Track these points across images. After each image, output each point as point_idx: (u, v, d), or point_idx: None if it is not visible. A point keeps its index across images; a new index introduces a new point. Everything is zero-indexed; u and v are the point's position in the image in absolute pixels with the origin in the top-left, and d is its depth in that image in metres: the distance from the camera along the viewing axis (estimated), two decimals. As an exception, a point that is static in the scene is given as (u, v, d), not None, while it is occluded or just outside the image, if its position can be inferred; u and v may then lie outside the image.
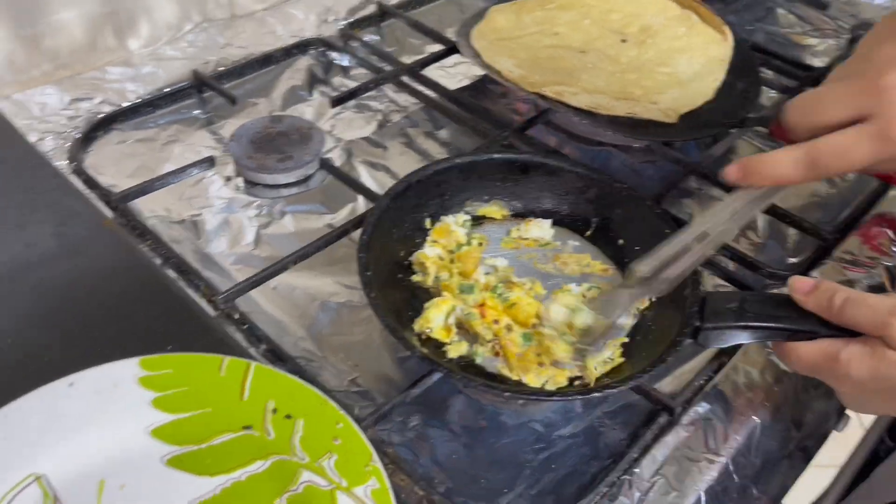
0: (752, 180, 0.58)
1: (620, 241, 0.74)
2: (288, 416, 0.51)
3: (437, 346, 0.64)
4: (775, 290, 0.73)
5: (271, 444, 0.50)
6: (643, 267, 0.60)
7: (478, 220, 0.76)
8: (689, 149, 0.94)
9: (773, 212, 0.82)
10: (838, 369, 0.53)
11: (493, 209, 0.77)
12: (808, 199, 0.88)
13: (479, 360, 0.63)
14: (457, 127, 0.93)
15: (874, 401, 0.56)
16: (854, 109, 0.54)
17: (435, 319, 0.64)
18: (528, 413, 0.65)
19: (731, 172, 0.59)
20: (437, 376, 0.61)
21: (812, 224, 0.80)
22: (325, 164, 0.82)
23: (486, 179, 0.77)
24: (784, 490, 0.65)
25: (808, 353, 0.55)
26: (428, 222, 0.73)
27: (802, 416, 0.66)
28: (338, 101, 0.91)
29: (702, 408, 0.64)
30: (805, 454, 0.66)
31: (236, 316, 0.67)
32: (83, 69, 0.91)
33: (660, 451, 0.61)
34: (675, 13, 1.05)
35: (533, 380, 0.62)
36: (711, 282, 0.77)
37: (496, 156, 0.76)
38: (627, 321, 0.66)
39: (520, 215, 0.77)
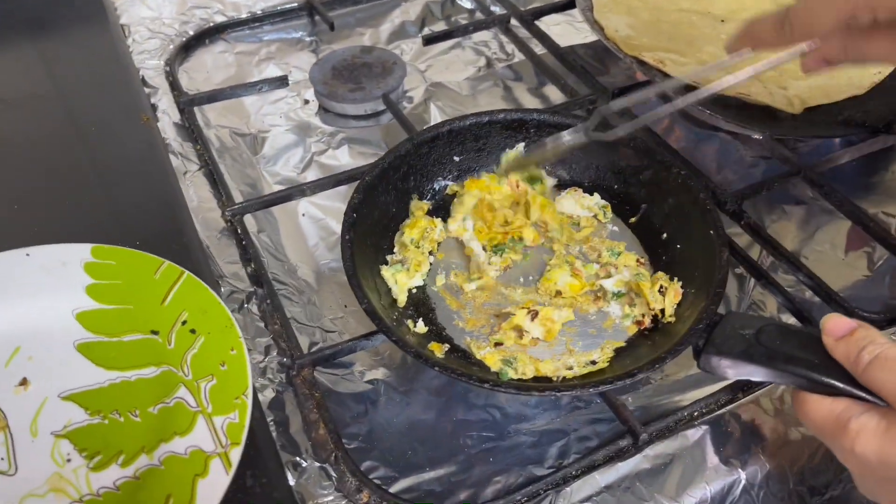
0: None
1: (664, 235, 0.64)
2: (192, 331, 0.51)
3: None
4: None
5: (168, 353, 0.50)
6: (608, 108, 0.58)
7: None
8: (819, 150, 0.79)
9: (888, 242, 0.67)
10: (844, 440, 0.43)
11: (535, 174, 0.70)
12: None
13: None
14: (560, 88, 0.86)
15: (882, 491, 0.44)
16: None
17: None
18: (499, 398, 0.59)
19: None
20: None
21: (929, 265, 0.64)
22: (389, 102, 0.80)
23: (534, 141, 0.69)
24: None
25: (819, 410, 0.45)
26: (451, 185, 0.68)
27: (813, 490, 0.53)
28: (430, 41, 0.87)
29: (679, 442, 0.54)
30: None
31: (239, 230, 0.67)
32: (214, -21, 0.96)
33: (606, 477, 0.52)
34: (858, -12, 0.87)
35: (491, 359, 0.56)
36: (773, 307, 0.64)
37: (548, 116, 0.69)
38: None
39: (564, 185, 0.70)
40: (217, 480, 0.43)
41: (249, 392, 0.47)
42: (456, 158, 0.69)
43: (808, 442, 0.54)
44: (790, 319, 0.64)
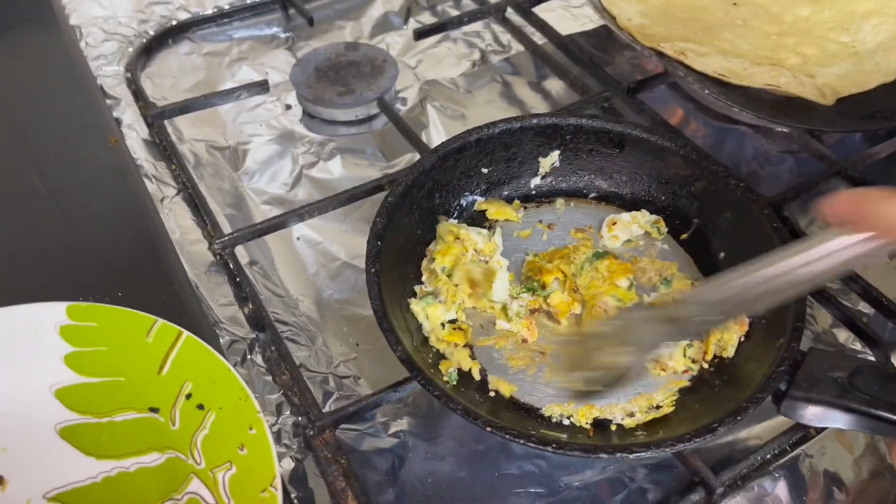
0: (859, 227, 0.39)
1: (722, 255, 0.58)
2: (200, 407, 0.43)
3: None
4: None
5: (173, 435, 0.42)
6: (692, 308, 0.45)
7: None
8: (845, 143, 0.74)
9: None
10: None
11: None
12: None
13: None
14: (567, 83, 0.79)
15: None
16: None
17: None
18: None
19: (830, 206, 0.40)
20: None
21: None
22: (384, 106, 0.72)
23: (570, 149, 0.62)
24: None
25: None
26: (480, 201, 0.61)
27: (904, 531, 0.48)
28: (422, 34, 0.79)
29: (756, 492, 0.48)
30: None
31: (231, 265, 0.59)
32: (172, -30, 0.86)
33: (682, 538, 0.46)
34: (875, -36, 0.82)
35: (551, 410, 0.50)
36: (824, 321, 0.59)
37: (586, 121, 0.61)
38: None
39: (604, 199, 0.63)
40: None
41: (278, 482, 0.39)
42: (484, 170, 0.61)
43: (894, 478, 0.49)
44: (845, 335, 0.59)
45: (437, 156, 0.59)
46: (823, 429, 0.51)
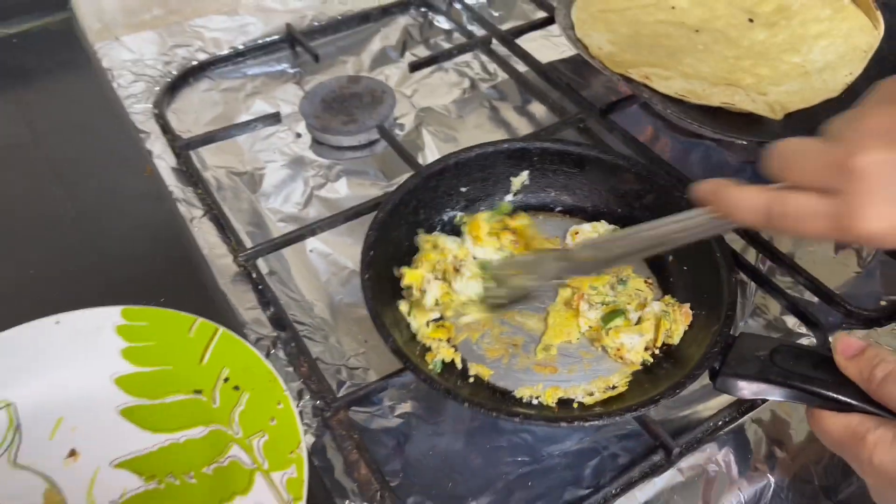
0: (714, 207, 0.50)
1: (670, 258, 0.66)
2: (236, 388, 0.51)
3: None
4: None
5: (214, 412, 0.51)
6: (588, 251, 0.60)
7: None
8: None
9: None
10: (862, 452, 0.46)
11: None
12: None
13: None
14: (548, 106, 0.88)
15: None
16: (824, 181, 0.45)
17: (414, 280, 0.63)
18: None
19: (698, 189, 0.51)
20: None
21: (918, 258, 0.68)
22: (384, 132, 0.81)
23: (538, 169, 0.71)
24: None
25: (835, 425, 0.48)
26: (459, 215, 0.70)
27: (837, 485, 0.57)
28: (416, 67, 0.89)
29: (709, 452, 0.56)
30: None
31: (254, 275, 0.68)
32: (191, 16, 0.96)
33: (645, 492, 0.55)
34: (822, -8, 0.91)
35: (522, 392, 0.59)
36: (775, 309, 0.67)
37: (550, 144, 0.71)
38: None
39: (569, 212, 0.72)
40: (286, 538, 0.44)
41: (303, 446, 0.48)
42: (463, 189, 0.70)
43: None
44: (792, 321, 0.67)
45: (421, 177, 0.68)
46: (765, 401, 0.59)
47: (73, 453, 0.50)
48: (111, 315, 0.55)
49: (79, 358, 0.53)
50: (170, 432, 0.50)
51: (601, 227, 0.69)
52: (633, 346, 0.60)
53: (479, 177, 0.70)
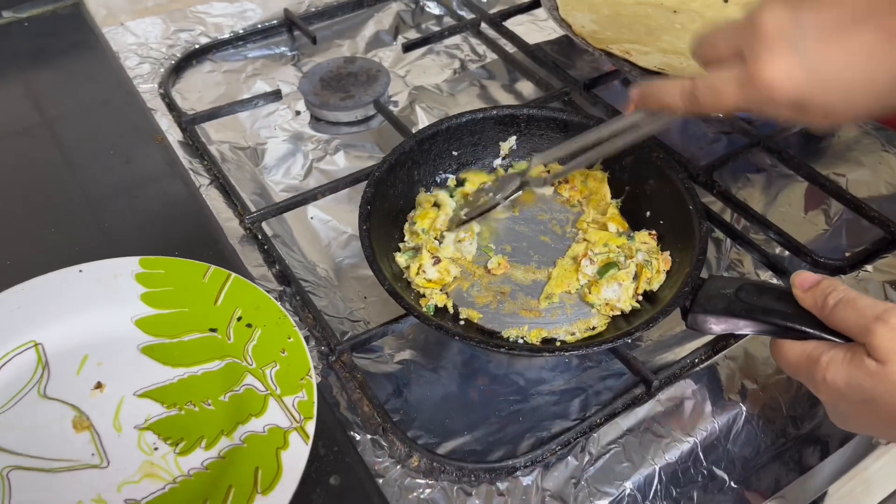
0: (647, 103, 0.58)
1: (648, 213, 0.71)
2: (249, 325, 0.55)
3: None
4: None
5: (229, 347, 0.55)
6: (539, 158, 0.66)
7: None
8: (769, 124, 0.87)
9: (842, 197, 0.75)
10: (817, 373, 0.49)
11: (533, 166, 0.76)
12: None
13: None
14: (534, 83, 0.92)
15: (851, 415, 0.51)
16: (733, 47, 0.51)
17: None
18: (517, 366, 0.66)
19: (633, 93, 0.60)
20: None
21: (879, 213, 0.72)
22: (380, 107, 0.85)
23: (525, 134, 0.76)
24: (771, 490, 0.61)
25: (793, 352, 0.52)
26: (451, 180, 0.74)
27: (803, 415, 0.61)
28: (409, 47, 0.93)
29: (686, 385, 0.61)
30: (800, 459, 0.61)
31: (260, 236, 0.72)
32: (192, 2, 1.00)
33: (626, 421, 0.59)
34: (791, -26, 0.97)
35: (509, 332, 0.63)
36: (749, 265, 0.72)
37: (536, 111, 0.75)
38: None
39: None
40: (298, 450, 0.48)
41: (312, 373, 0.52)
42: (454, 153, 0.75)
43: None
44: (766, 273, 0.72)
45: (415, 140, 0.72)
46: (741, 338, 0.63)
47: (99, 385, 0.54)
48: (130, 264, 0.59)
49: (101, 302, 0.57)
50: (188, 366, 0.55)
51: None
52: (619, 297, 0.65)
53: (470, 141, 0.75)
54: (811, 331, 0.52)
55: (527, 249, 0.70)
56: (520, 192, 0.68)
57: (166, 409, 0.52)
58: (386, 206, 0.69)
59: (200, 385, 0.53)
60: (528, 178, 0.67)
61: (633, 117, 0.61)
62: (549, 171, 0.68)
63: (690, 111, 0.56)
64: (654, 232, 0.70)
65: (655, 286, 0.65)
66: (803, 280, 0.53)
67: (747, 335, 0.61)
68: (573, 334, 0.63)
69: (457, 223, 0.68)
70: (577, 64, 0.98)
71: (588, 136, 0.64)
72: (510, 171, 0.74)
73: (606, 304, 0.65)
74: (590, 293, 0.65)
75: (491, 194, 0.69)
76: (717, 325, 0.57)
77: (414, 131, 0.83)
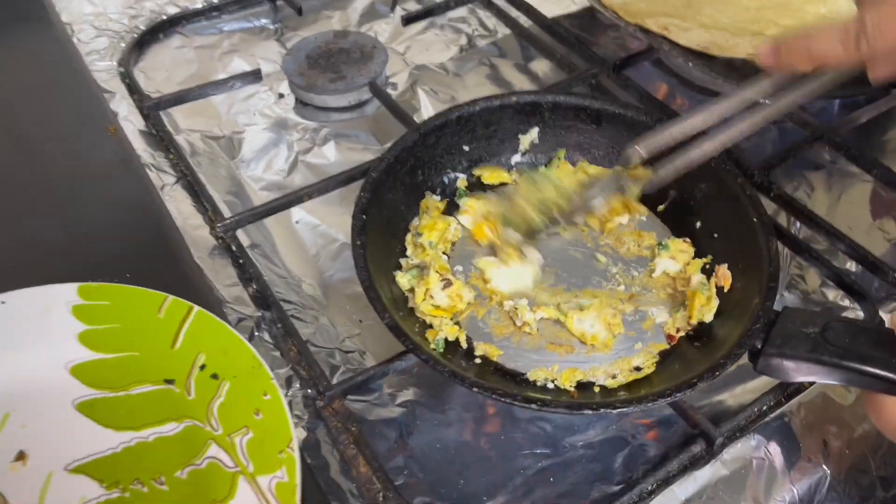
0: (790, 61, 0.47)
1: (698, 224, 0.60)
2: (214, 376, 0.44)
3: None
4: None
5: (189, 404, 0.44)
6: (641, 148, 0.50)
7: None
8: (827, 111, 0.76)
9: (922, 201, 0.64)
10: None
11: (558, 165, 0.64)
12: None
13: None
14: (555, 62, 0.80)
15: None
16: None
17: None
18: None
19: (765, 52, 0.48)
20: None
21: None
22: (377, 90, 0.73)
23: (549, 125, 0.64)
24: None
25: None
26: (461, 181, 0.63)
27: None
28: (410, 20, 0.81)
29: (755, 442, 0.50)
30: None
31: (234, 247, 0.60)
32: (161, -35, 0.87)
33: (685, 488, 0.48)
34: (850, -62, 0.84)
35: (536, 374, 0.52)
36: (814, 281, 0.61)
37: (564, 98, 0.63)
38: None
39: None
40: (276, 555, 0.37)
41: (294, 443, 0.41)
42: (466, 148, 0.63)
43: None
44: (836, 292, 0.61)
45: (419, 133, 0.60)
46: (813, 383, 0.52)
47: (21, 456, 0.43)
48: (66, 293, 0.47)
49: (28, 343, 0.45)
50: (136, 430, 0.43)
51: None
52: (596, 331, 0.54)
53: (484, 134, 0.63)
54: None
55: (553, 266, 0.58)
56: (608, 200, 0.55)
57: (106, 491, 0.41)
58: (384, 213, 0.57)
59: (151, 455, 0.42)
60: (625, 182, 0.53)
61: (761, 86, 0.48)
62: (654, 171, 0.53)
63: (850, 58, 0.45)
64: (687, 239, 0.59)
65: (709, 317, 0.54)
66: None
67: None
68: (614, 377, 0.52)
69: (526, 233, 0.56)
70: (600, 41, 0.86)
71: (695, 119, 0.50)
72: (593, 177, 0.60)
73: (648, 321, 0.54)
74: (565, 318, 0.54)
75: (576, 199, 0.55)
76: (798, 373, 0.46)
77: (417, 120, 0.72)
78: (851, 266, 0.62)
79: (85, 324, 0.46)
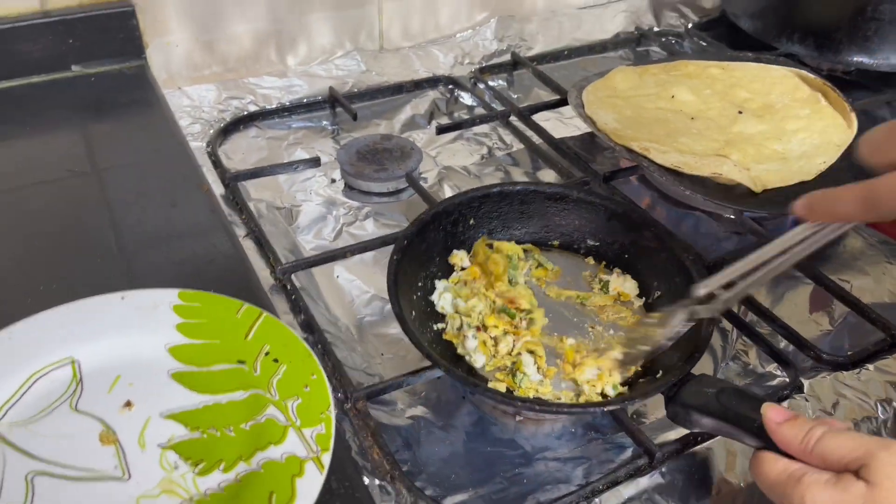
0: (816, 216, 0.57)
1: (657, 294, 0.75)
2: (276, 360, 0.58)
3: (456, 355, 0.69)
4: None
5: (255, 379, 0.58)
6: (701, 288, 0.61)
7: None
8: (781, 228, 0.91)
9: (846, 300, 0.79)
10: (795, 493, 0.48)
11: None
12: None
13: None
14: (557, 171, 0.98)
15: None
16: None
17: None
18: (524, 431, 0.68)
19: (798, 206, 0.58)
20: (438, 372, 0.66)
21: (881, 316, 0.76)
22: (412, 181, 0.91)
23: (572, 211, 0.80)
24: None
25: (774, 469, 0.51)
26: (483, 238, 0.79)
27: None
28: (442, 130, 1.00)
29: (688, 459, 0.63)
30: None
31: (289, 287, 0.76)
32: (245, 74, 1.08)
33: (628, 490, 0.61)
34: (803, 95, 1.04)
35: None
36: (753, 357, 0.75)
37: (585, 195, 0.80)
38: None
39: (565, 247, 0.81)
40: (313, 479, 0.50)
41: (332, 409, 0.55)
42: (472, 221, 0.79)
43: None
44: (771, 365, 0.74)
45: (465, 196, 0.77)
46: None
47: (128, 404, 0.57)
48: (169, 296, 0.62)
49: (138, 328, 0.61)
50: (214, 394, 0.57)
51: (626, 280, 0.77)
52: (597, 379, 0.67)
53: (518, 210, 0.79)
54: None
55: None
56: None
57: (189, 432, 0.55)
58: (423, 246, 0.73)
59: (224, 412, 0.56)
60: (696, 309, 0.62)
61: (801, 232, 0.59)
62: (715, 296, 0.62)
63: (868, 217, 0.54)
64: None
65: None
66: (777, 413, 0.52)
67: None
68: (580, 395, 0.65)
69: (627, 361, 0.67)
70: (597, 158, 1.04)
71: (750, 258, 0.61)
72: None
73: (591, 384, 0.67)
74: (573, 370, 0.67)
75: (657, 328, 0.65)
76: (695, 424, 0.58)
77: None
78: (787, 346, 0.76)
79: (182, 318, 0.61)
